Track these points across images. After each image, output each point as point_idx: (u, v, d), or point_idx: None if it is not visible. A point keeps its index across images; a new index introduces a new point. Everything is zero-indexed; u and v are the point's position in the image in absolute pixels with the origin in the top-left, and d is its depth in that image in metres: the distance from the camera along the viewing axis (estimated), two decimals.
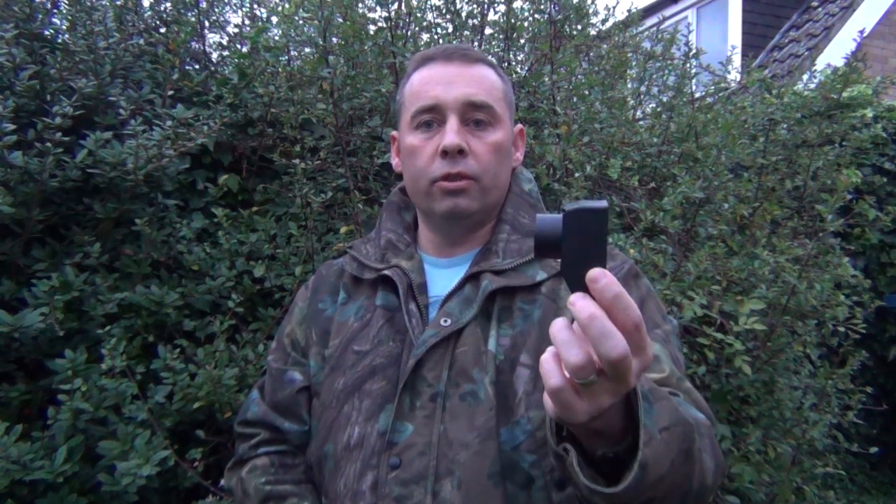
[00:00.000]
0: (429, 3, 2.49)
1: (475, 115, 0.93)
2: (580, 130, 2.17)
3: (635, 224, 2.09)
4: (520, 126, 1.07)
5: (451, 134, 0.91)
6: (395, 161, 1.06)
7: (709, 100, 3.01)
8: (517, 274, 0.93)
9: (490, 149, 0.94)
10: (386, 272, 0.98)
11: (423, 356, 0.89)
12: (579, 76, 2.52)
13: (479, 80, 0.95)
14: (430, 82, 0.95)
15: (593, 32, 3.01)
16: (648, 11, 5.81)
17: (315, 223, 1.88)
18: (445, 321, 0.90)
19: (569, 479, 0.63)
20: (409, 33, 2.25)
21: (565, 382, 0.54)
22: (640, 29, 3.40)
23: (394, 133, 1.06)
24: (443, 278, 0.98)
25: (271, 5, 2.52)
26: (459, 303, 0.92)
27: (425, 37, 2.50)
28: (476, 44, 2.45)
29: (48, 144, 1.52)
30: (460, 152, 0.91)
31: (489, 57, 1.03)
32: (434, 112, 0.94)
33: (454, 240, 1.00)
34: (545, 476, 0.83)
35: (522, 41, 2.59)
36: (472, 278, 0.94)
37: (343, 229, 1.91)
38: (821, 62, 5.37)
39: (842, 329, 2.18)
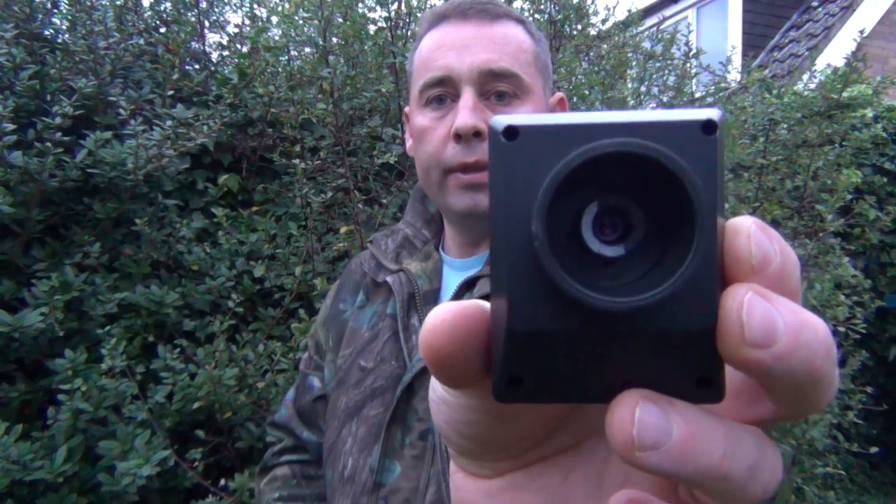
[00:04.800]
0: (429, 3, 2.49)
1: (496, 86, 0.76)
2: None
3: None
4: (559, 94, 0.87)
5: (465, 112, 0.73)
6: (408, 144, 0.88)
7: (709, 100, 3.01)
8: None
9: None
10: (388, 278, 0.84)
11: (415, 384, 0.75)
12: (579, 76, 2.52)
13: (502, 42, 0.76)
14: (441, 47, 0.77)
15: (593, 32, 3.01)
16: (648, 11, 5.81)
17: (315, 223, 1.88)
18: None
19: None
20: (409, 33, 2.25)
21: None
22: (640, 29, 3.40)
23: (406, 109, 0.87)
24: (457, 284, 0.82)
25: (271, 5, 2.52)
26: None
27: None
28: None
29: (48, 144, 1.52)
30: (477, 135, 0.74)
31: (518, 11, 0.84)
32: (445, 85, 0.76)
33: (475, 238, 0.83)
34: None
35: None
36: (469, 285, 0.79)
37: (343, 229, 1.91)
38: (821, 62, 5.37)
39: (842, 329, 2.18)
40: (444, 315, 0.22)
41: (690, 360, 0.21)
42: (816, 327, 0.20)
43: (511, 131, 0.21)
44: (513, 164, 0.20)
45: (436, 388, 0.26)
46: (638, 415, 0.20)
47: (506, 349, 0.21)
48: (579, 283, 0.19)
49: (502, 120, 0.21)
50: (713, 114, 0.20)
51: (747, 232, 0.20)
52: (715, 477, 0.21)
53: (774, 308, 0.19)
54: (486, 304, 0.23)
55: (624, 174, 0.20)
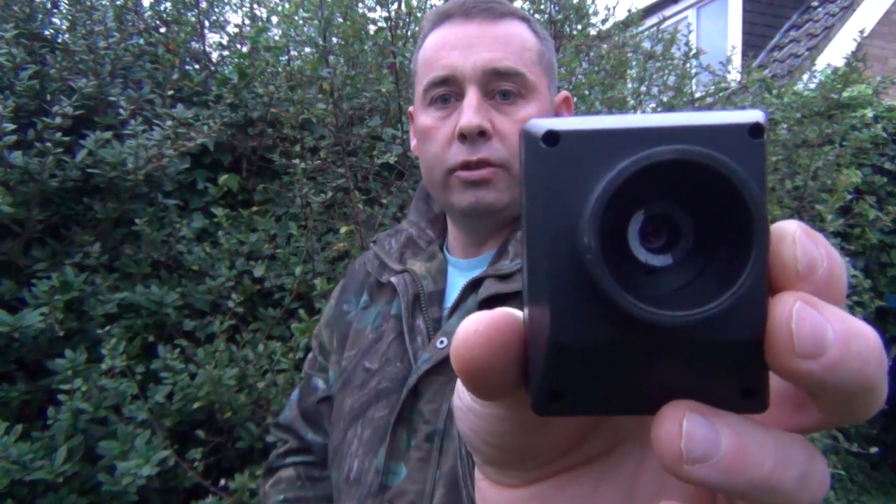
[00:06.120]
0: (429, 2, 2.49)
1: (501, 85, 0.75)
2: None
3: None
4: (564, 93, 0.86)
5: (470, 112, 0.73)
6: (412, 143, 0.87)
7: (709, 100, 3.02)
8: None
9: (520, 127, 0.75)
10: (392, 279, 0.84)
11: (420, 386, 0.75)
12: (579, 76, 2.52)
13: (506, 41, 0.76)
14: (444, 47, 0.77)
15: (593, 32, 3.01)
16: (648, 11, 5.81)
17: (315, 223, 1.88)
18: (442, 343, 0.75)
19: None
20: (409, 33, 2.25)
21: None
22: (640, 29, 3.40)
23: (410, 109, 0.87)
24: (462, 285, 0.81)
25: (271, 5, 2.52)
26: (460, 318, 0.75)
27: None
28: None
29: (48, 144, 1.52)
30: (481, 134, 0.74)
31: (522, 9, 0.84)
32: (449, 84, 0.76)
33: (479, 238, 0.83)
34: None
35: None
36: (474, 286, 0.78)
37: (343, 229, 1.91)
38: (821, 62, 5.37)
39: None
40: (476, 326, 0.21)
41: (736, 370, 0.20)
42: (867, 335, 0.19)
43: (552, 136, 0.20)
44: (553, 171, 0.20)
45: (462, 395, 0.25)
46: (685, 427, 0.19)
47: (547, 362, 0.20)
48: (629, 294, 0.18)
49: (541, 124, 0.20)
50: (759, 116, 0.20)
51: (792, 237, 0.20)
52: (765, 489, 0.20)
53: (823, 317, 0.19)
54: (518, 313, 0.22)
55: (672, 181, 0.19)
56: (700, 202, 0.19)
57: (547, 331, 0.20)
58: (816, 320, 0.19)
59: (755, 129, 0.19)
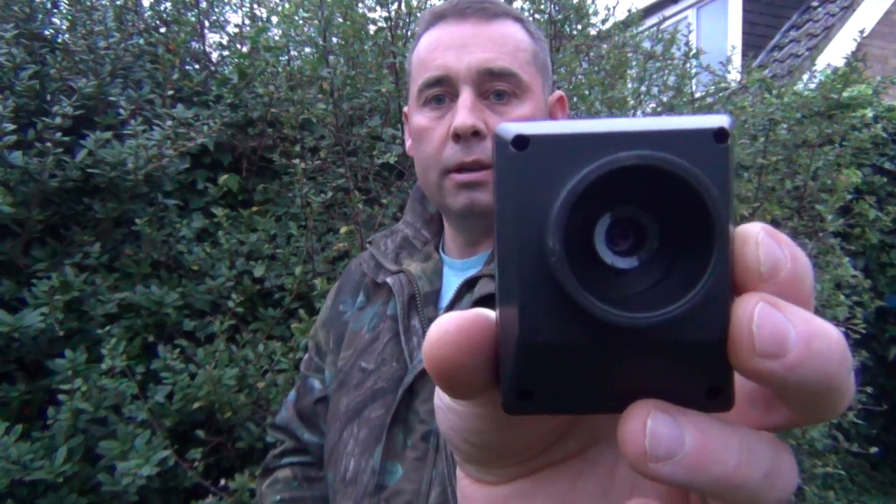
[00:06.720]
0: (428, 2, 2.49)
1: (495, 85, 0.75)
2: None
3: None
4: (559, 93, 0.86)
5: (464, 112, 0.73)
6: (407, 143, 0.87)
7: (709, 100, 3.02)
8: None
9: None
10: (388, 279, 0.84)
11: (416, 386, 0.75)
12: (579, 76, 2.52)
13: (501, 41, 0.76)
14: (438, 47, 0.77)
15: (593, 32, 3.01)
16: (648, 11, 5.80)
17: (315, 223, 1.88)
18: None
19: None
20: (409, 33, 2.25)
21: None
22: (640, 29, 3.40)
23: (405, 109, 0.87)
24: (457, 285, 0.82)
25: (271, 5, 2.52)
26: None
27: None
28: None
29: (48, 144, 1.52)
30: (476, 134, 0.74)
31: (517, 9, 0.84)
32: (444, 84, 0.76)
33: (474, 238, 0.83)
34: None
35: None
36: (470, 285, 0.78)
37: (343, 229, 1.91)
38: (821, 62, 5.37)
39: (842, 329, 2.18)
40: (446, 326, 0.22)
41: (701, 370, 0.21)
42: (829, 335, 0.20)
43: (521, 140, 0.20)
44: (522, 175, 0.20)
45: (441, 395, 0.26)
46: (650, 425, 0.20)
47: (517, 362, 0.21)
48: (594, 296, 0.19)
49: (510, 128, 0.20)
50: (724, 121, 0.20)
51: (755, 239, 0.20)
52: (730, 486, 0.20)
53: (785, 317, 0.19)
54: (490, 313, 0.22)
55: (636, 185, 0.19)
56: (664, 206, 0.20)
57: (516, 330, 0.20)
58: (778, 321, 0.19)
59: (719, 134, 0.20)
